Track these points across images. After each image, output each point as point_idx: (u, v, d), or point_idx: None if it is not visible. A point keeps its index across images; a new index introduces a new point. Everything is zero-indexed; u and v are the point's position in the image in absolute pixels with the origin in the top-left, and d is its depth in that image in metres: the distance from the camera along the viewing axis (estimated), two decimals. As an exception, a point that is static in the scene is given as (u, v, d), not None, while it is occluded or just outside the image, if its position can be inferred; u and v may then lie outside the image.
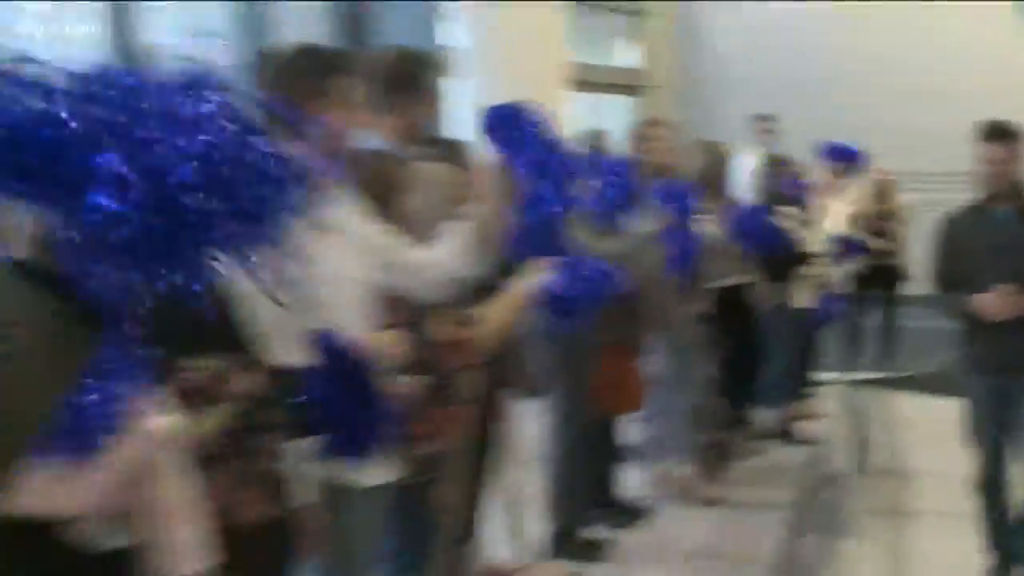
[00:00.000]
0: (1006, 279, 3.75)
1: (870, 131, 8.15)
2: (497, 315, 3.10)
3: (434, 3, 7.92)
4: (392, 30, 6.55)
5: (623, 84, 11.14)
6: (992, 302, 3.75)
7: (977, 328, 3.89)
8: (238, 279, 1.67)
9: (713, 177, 5.10)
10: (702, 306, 4.84)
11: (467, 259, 2.81)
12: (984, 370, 3.96)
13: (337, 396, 2.16)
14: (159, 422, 1.57)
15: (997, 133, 3.84)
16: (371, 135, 3.09)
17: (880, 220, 7.42)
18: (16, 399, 1.19)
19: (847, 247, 6.54)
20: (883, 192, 7.50)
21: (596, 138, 5.04)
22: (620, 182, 4.20)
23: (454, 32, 7.76)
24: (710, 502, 4.95)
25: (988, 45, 10.60)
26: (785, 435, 6.17)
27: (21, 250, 1.32)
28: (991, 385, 3.94)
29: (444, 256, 2.79)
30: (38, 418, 1.22)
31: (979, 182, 3.90)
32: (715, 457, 5.27)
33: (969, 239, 3.94)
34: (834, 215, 6.51)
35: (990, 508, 4.05)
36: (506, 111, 3.15)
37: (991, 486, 4.04)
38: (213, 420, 1.88)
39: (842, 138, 7.01)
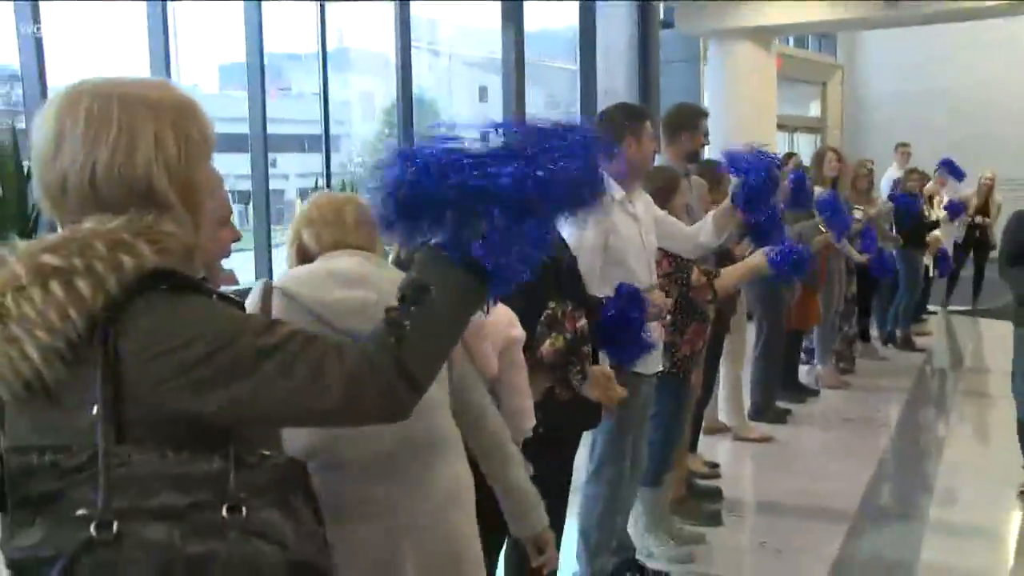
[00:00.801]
0: None
1: (977, 145, 11.55)
2: (732, 273, 4.31)
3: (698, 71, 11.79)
4: (673, 97, 9.57)
5: (809, 126, 16.11)
6: None
7: None
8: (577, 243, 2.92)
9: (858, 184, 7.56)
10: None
11: (714, 237, 3.91)
12: None
13: (625, 317, 3.05)
14: (520, 332, 2.46)
15: None
16: (662, 158, 4.43)
17: (982, 207, 10.42)
18: (433, 333, 1.34)
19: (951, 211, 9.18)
20: (984, 189, 10.35)
21: (788, 159, 7.49)
22: (802, 189, 6.12)
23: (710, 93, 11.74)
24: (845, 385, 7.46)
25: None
26: (908, 344, 8.90)
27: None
28: None
29: (700, 233, 3.92)
30: (449, 345, 1.40)
31: None
32: (849, 357, 7.90)
33: None
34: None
35: None
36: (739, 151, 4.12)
37: None
38: (556, 341, 2.71)
39: (956, 152, 10.19)
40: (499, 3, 9.25)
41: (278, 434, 1.50)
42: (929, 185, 8.73)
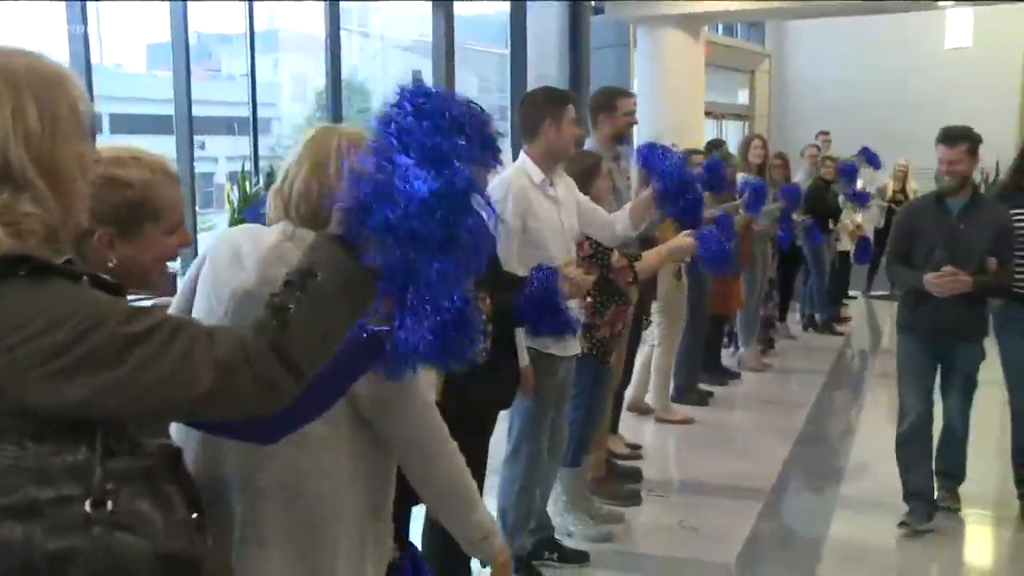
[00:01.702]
0: (949, 261, 4.12)
1: (898, 134, 11.85)
2: (652, 256, 4.31)
3: (628, 57, 11.99)
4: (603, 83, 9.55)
5: (737, 113, 16.18)
6: (938, 280, 4.09)
7: (920, 298, 4.25)
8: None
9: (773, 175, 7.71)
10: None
11: (630, 228, 3.93)
12: (918, 333, 4.35)
13: (544, 295, 2.98)
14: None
15: (949, 137, 4.20)
16: (589, 142, 4.57)
17: (897, 194, 10.54)
18: (319, 320, 1.31)
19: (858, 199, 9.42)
20: (900, 176, 10.61)
21: (717, 145, 7.62)
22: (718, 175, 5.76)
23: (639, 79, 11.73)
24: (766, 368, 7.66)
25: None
26: (827, 328, 9.11)
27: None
28: (923, 344, 4.34)
29: (617, 222, 3.91)
30: (338, 329, 1.35)
31: (939, 178, 4.35)
32: (768, 340, 8.08)
33: (923, 225, 4.29)
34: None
35: (910, 458, 4.45)
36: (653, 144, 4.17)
37: (916, 438, 4.42)
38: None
39: (878, 140, 10.31)
40: (430, -14, 9.24)
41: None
42: (825, 171, 8.95)
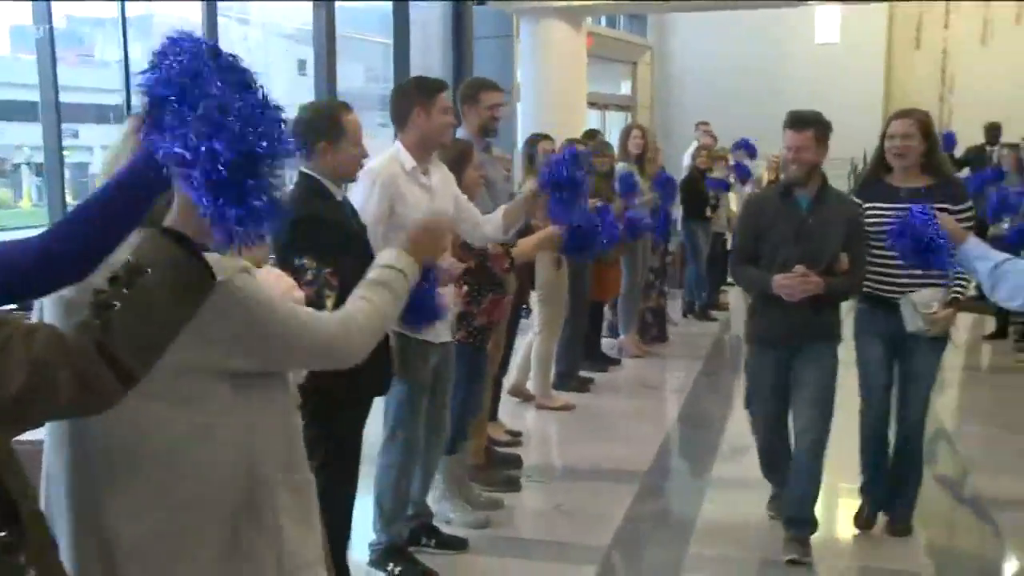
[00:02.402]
0: (800, 261, 3.75)
1: (776, 125, 12.17)
2: (525, 245, 4.46)
3: (511, 48, 12.04)
4: (486, 73, 9.46)
5: (620, 104, 16.27)
6: (787, 282, 3.74)
7: (767, 302, 3.89)
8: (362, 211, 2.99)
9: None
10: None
11: (500, 232, 3.95)
12: (769, 342, 3.99)
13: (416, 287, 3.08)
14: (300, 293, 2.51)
15: (796, 121, 3.82)
16: (459, 132, 4.43)
17: (772, 184, 10.87)
18: (148, 317, 1.29)
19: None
20: (773, 167, 10.92)
21: (592, 135, 7.72)
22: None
23: (522, 70, 11.88)
24: (647, 354, 7.83)
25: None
26: (704, 315, 9.34)
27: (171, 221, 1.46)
28: (774, 356, 3.98)
29: (488, 224, 3.93)
30: (170, 331, 1.35)
31: (786, 167, 3.95)
32: (654, 325, 8.26)
33: (770, 220, 3.88)
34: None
35: (771, 471, 4.25)
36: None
37: (770, 452, 4.20)
38: (331, 300, 2.80)
39: (756, 130, 10.47)
40: (309, -27, 9.10)
41: None
42: (701, 160, 9.20)
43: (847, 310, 4.11)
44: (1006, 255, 3.07)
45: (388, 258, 2.13)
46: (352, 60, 11.92)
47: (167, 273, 1.33)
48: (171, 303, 1.34)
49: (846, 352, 4.08)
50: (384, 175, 3.55)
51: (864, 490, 4.34)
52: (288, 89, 12.73)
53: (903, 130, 3.97)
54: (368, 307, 1.99)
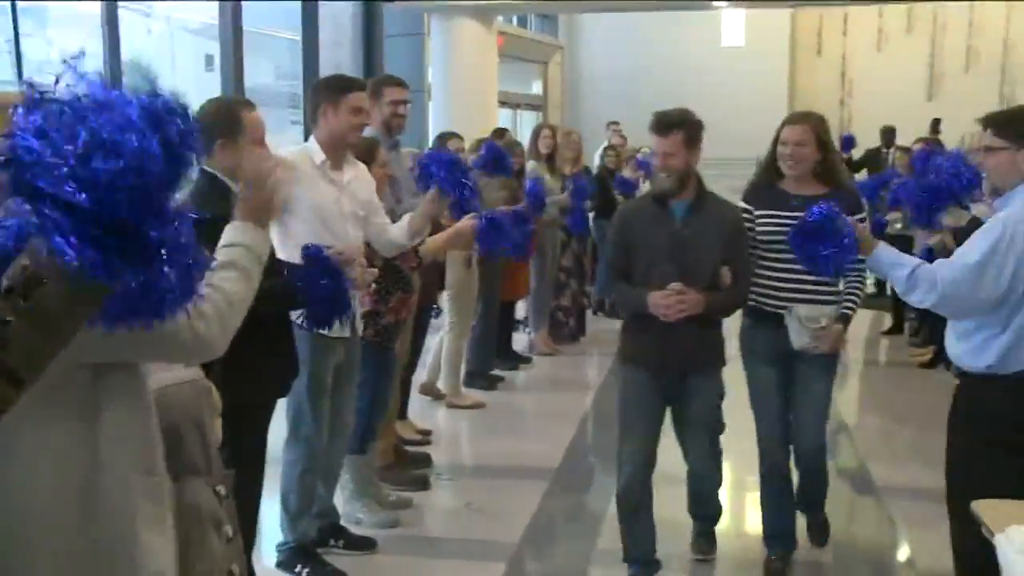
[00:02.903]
0: (677, 276, 3.41)
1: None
2: (435, 243, 4.41)
3: (422, 46, 12.02)
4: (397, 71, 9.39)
5: (532, 103, 16.47)
6: (663, 301, 3.39)
7: (643, 321, 3.49)
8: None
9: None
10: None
11: (407, 238, 3.94)
12: (644, 365, 3.57)
13: (311, 278, 3.09)
14: None
15: (661, 124, 3.45)
16: (367, 130, 4.44)
17: None
18: (45, 328, 1.28)
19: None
20: None
21: (500, 133, 7.74)
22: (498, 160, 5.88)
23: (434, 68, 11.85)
24: (558, 352, 7.87)
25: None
26: (615, 312, 9.42)
27: None
28: (650, 383, 3.57)
29: (395, 230, 3.93)
30: (62, 340, 1.34)
31: (656, 174, 3.58)
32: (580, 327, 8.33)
33: (642, 232, 3.53)
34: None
35: (631, 513, 3.69)
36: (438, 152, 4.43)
37: (638, 491, 3.66)
38: None
39: None
40: (214, -34, 8.92)
41: None
42: (610, 159, 9.32)
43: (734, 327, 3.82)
44: (919, 260, 3.04)
45: (230, 236, 2.05)
46: (261, 56, 11.73)
47: (64, 284, 1.31)
48: (67, 313, 1.33)
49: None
50: (289, 164, 3.53)
51: (767, 538, 3.96)
52: (195, 85, 12.46)
53: (797, 137, 3.66)
54: (216, 295, 1.88)
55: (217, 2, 9.06)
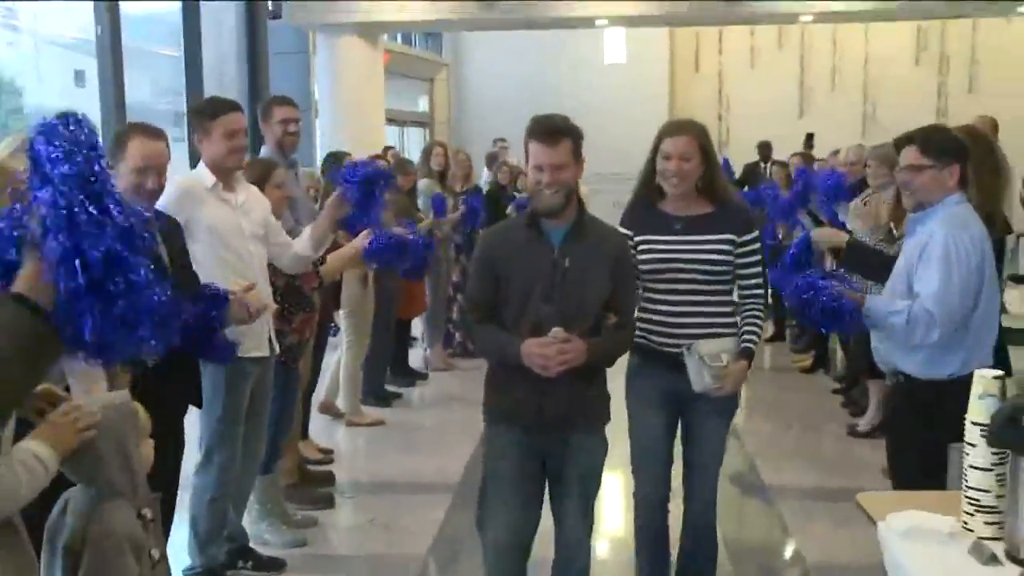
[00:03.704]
0: (557, 319, 2.86)
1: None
2: (334, 261, 4.57)
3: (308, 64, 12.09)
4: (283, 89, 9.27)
5: (419, 120, 16.51)
6: (541, 351, 2.82)
7: (514, 372, 2.91)
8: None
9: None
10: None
11: (310, 250, 4.01)
12: (515, 422, 2.99)
13: (204, 317, 3.12)
14: None
15: (545, 131, 2.91)
16: (263, 149, 4.64)
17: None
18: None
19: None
20: None
21: (387, 150, 7.80)
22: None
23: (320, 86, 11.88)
24: (453, 367, 7.95)
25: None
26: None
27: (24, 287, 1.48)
28: (525, 442, 2.99)
29: (297, 244, 3.99)
30: (19, 392, 1.50)
31: (536, 193, 2.95)
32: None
33: (513, 263, 2.93)
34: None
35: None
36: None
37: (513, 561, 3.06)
38: None
39: None
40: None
41: None
42: (503, 175, 9.49)
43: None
44: (905, 303, 3.05)
45: (35, 447, 1.99)
46: (138, 72, 11.49)
47: (16, 339, 1.38)
48: (21, 368, 1.41)
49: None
50: (182, 189, 3.60)
51: None
52: (63, 102, 12.10)
53: (680, 149, 3.22)
54: (13, 482, 1.89)
55: (93, 12, 8.85)
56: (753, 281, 3.34)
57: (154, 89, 12.91)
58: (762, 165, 11.76)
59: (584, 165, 3.01)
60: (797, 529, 4.65)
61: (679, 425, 3.41)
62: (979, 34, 15.99)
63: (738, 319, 3.35)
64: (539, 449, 3.04)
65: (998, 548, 2.18)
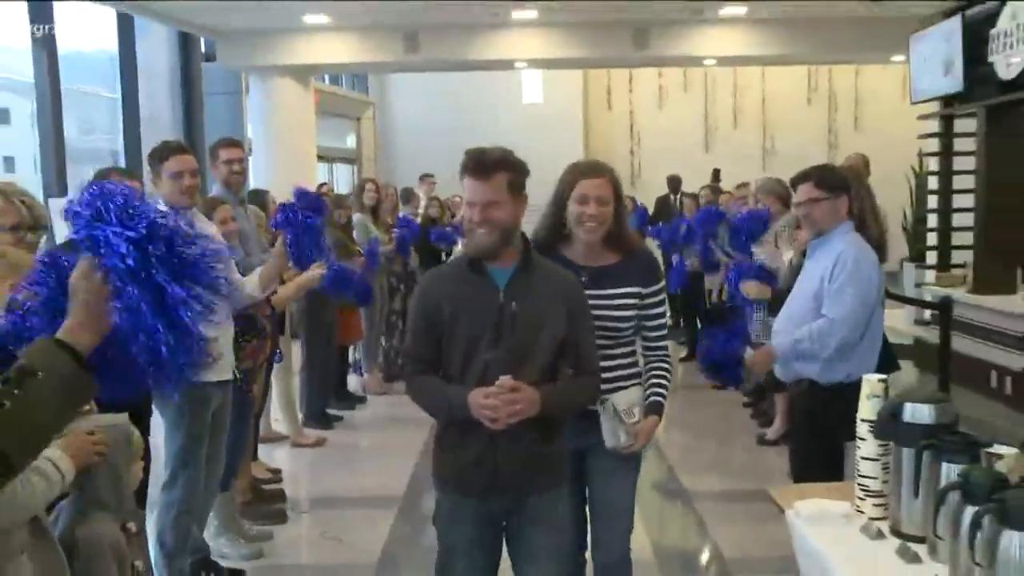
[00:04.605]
0: (507, 366, 2.52)
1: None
2: (285, 292, 4.83)
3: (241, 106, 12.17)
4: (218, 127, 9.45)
5: (347, 157, 16.78)
6: (487, 402, 2.48)
7: (460, 430, 2.59)
8: None
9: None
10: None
11: (259, 291, 4.13)
12: (465, 490, 2.65)
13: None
14: None
15: (478, 166, 2.56)
16: (215, 188, 4.81)
17: None
18: (33, 417, 1.41)
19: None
20: None
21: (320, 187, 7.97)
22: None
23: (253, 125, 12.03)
24: (391, 391, 8.10)
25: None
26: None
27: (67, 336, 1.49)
28: (478, 512, 2.66)
29: (247, 284, 4.11)
30: (51, 432, 1.49)
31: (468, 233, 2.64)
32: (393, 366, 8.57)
33: (455, 309, 2.59)
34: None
35: None
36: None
37: None
38: None
39: None
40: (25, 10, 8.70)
41: None
42: (434, 209, 9.72)
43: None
44: (802, 332, 3.41)
45: (55, 457, 2.19)
46: (68, 111, 11.44)
47: (55, 380, 1.44)
48: (55, 407, 1.46)
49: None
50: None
51: None
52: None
53: (598, 191, 2.91)
54: (31, 491, 2.07)
55: (31, 53, 8.85)
56: (658, 333, 3.08)
57: (81, 127, 12.83)
58: (672, 197, 12.21)
59: (526, 201, 2.64)
60: (715, 529, 4.94)
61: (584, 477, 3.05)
62: (861, 78, 16.91)
63: (642, 369, 3.09)
64: (496, 514, 2.69)
65: (884, 526, 2.49)
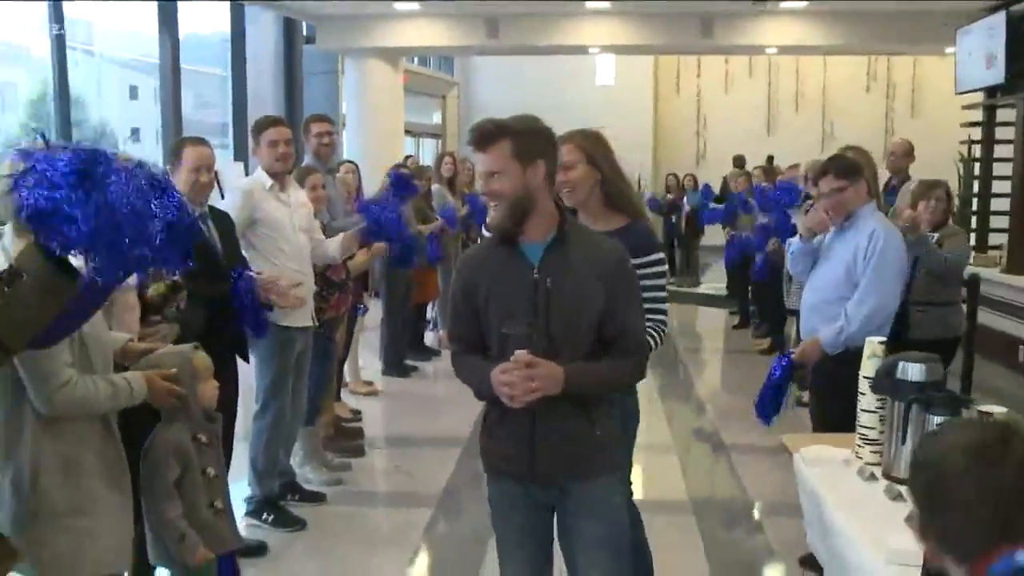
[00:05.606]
0: (519, 342, 2.22)
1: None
2: (361, 257, 5.05)
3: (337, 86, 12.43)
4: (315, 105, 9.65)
5: (432, 132, 16.85)
6: (505, 378, 2.18)
7: (504, 411, 2.28)
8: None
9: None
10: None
11: (338, 254, 4.44)
12: (509, 473, 2.38)
13: (239, 298, 3.50)
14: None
15: (477, 137, 2.27)
16: (306, 157, 5.01)
17: None
18: (22, 310, 1.59)
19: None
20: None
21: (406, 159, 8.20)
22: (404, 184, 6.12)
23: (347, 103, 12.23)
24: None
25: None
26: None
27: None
28: (520, 495, 2.38)
29: (330, 247, 4.39)
30: (34, 324, 1.64)
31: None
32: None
33: (489, 286, 2.31)
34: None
35: None
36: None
37: None
38: (159, 288, 2.92)
39: None
40: (155, 4, 9.13)
41: None
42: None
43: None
44: (840, 322, 3.46)
45: (133, 376, 2.41)
46: (185, 89, 11.90)
47: (38, 280, 1.63)
48: (41, 302, 1.65)
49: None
50: (246, 190, 3.99)
51: None
52: (120, 113, 12.47)
53: (563, 157, 2.67)
54: (93, 389, 2.25)
55: (157, 38, 9.27)
56: (652, 305, 2.64)
57: (196, 103, 13.32)
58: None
59: (545, 169, 2.27)
60: (746, 478, 5.06)
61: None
62: (919, 67, 16.46)
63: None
64: (542, 501, 2.39)
65: (878, 471, 2.61)
